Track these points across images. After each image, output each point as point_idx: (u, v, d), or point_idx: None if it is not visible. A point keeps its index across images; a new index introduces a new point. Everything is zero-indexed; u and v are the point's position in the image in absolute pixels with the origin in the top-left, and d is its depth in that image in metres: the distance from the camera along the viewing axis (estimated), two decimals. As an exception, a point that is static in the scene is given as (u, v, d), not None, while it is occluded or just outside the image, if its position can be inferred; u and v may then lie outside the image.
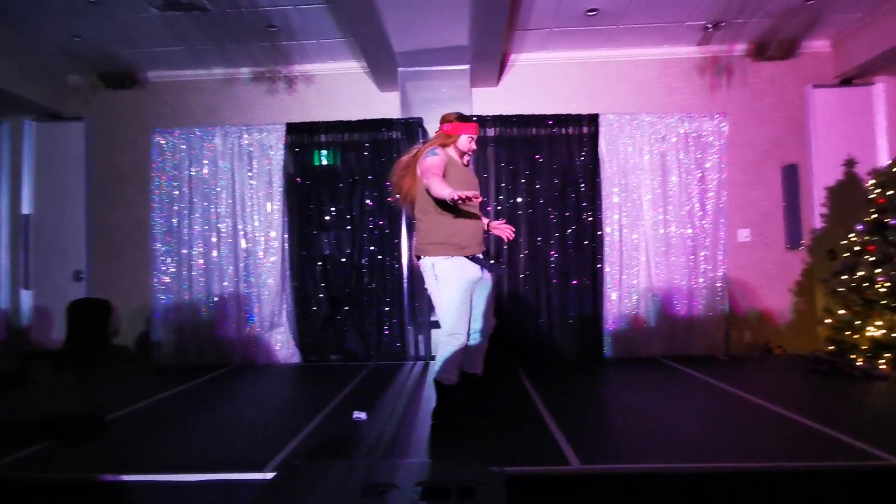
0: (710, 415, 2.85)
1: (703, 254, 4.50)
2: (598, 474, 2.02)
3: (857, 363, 3.71)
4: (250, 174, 4.60)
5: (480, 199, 2.36)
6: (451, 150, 2.66)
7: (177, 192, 4.63)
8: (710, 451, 2.20)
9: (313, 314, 4.62)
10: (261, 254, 4.56)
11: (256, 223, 4.58)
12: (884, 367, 3.68)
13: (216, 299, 4.59)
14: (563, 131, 4.57)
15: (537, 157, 4.57)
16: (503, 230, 2.74)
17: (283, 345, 4.62)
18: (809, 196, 4.84)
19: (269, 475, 1.96)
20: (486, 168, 4.62)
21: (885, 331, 3.73)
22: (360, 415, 2.79)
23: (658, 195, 4.48)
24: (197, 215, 4.61)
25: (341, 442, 2.43)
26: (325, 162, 4.74)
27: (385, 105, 4.97)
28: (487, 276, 2.67)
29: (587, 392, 3.51)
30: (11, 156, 5.11)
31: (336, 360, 4.62)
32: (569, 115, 4.56)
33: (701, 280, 4.50)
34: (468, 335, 2.59)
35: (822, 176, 4.79)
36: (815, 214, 4.82)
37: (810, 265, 4.80)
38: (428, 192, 2.47)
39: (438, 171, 2.48)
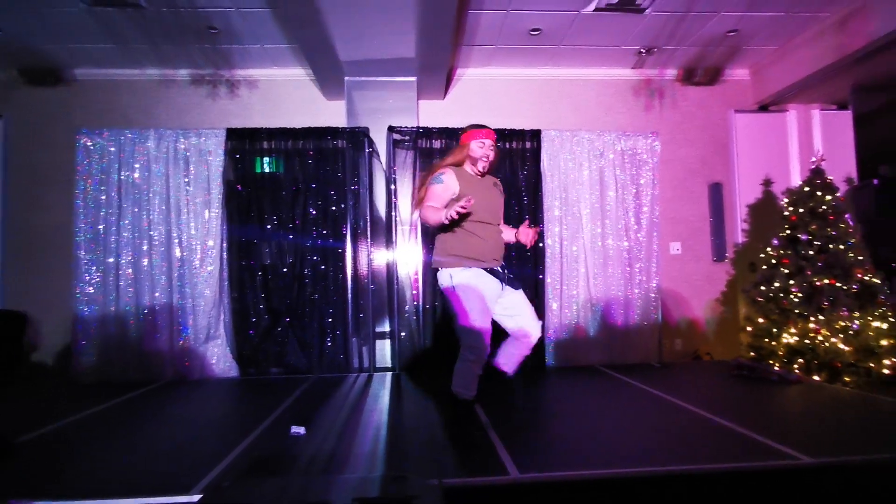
0: (643, 421, 2.96)
1: (638, 266, 4.71)
2: (536, 483, 2.05)
3: (775, 368, 3.99)
4: (187, 180, 4.41)
5: (471, 202, 2.32)
6: (466, 165, 2.67)
7: (104, 197, 4.36)
8: (643, 456, 2.29)
9: (253, 326, 4.46)
10: (197, 263, 4.37)
11: (193, 231, 4.38)
12: (797, 371, 3.97)
13: (146, 311, 4.34)
14: (508, 146, 4.68)
15: (482, 169, 4.64)
16: (526, 235, 2.63)
17: (219, 358, 4.42)
18: (733, 212, 5.19)
19: (195, 498, 1.87)
20: (432, 179, 4.65)
21: (798, 338, 4.04)
22: (298, 430, 2.71)
23: (596, 209, 4.67)
24: (126, 222, 4.36)
25: (277, 459, 2.35)
26: (267, 169, 4.62)
27: (331, 113, 4.93)
28: (509, 287, 2.64)
29: (527, 400, 3.57)
30: (-87, 154, 4.66)
31: (276, 373, 4.48)
32: (513, 130, 4.67)
33: (636, 291, 4.70)
34: (486, 350, 2.54)
35: (744, 194, 5.16)
36: (738, 229, 5.17)
37: (734, 277, 5.14)
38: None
39: (435, 201, 2.52)
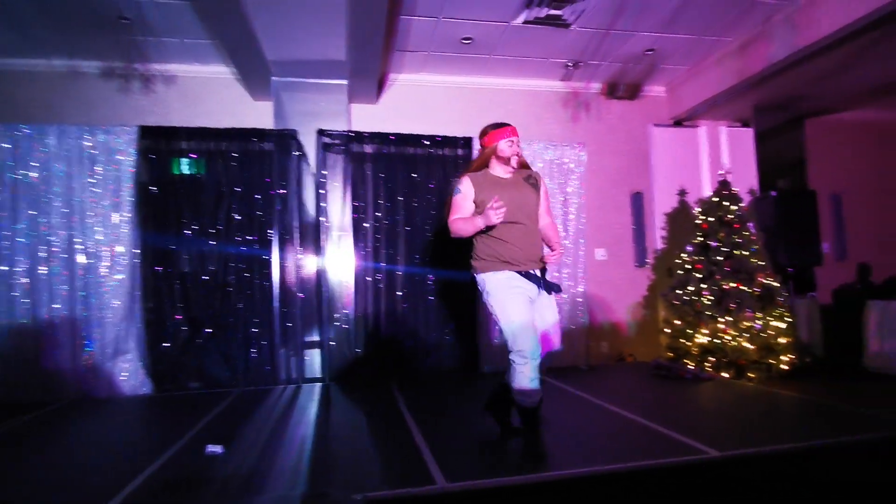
0: (571, 424, 3.04)
1: (566, 271, 4.86)
2: (463, 492, 2.04)
3: (689, 367, 4.25)
4: (93, 181, 4.05)
5: (499, 201, 2.26)
6: (494, 167, 2.53)
7: (-5, 199, 3.92)
8: (569, 459, 2.35)
9: (169, 338, 4.16)
10: (104, 271, 4.02)
11: (100, 236, 4.03)
12: (709, 369, 4.25)
13: (45, 324, 3.93)
14: (440, 152, 4.69)
15: (415, 175, 4.63)
16: (551, 258, 2.52)
17: (130, 374, 4.08)
18: (653, 220, 5.49)
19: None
20: (365, 185, 4.58)
21: (709, 338, 4.32)
22: (215, 448, 2.54)
23: (526, 216, 4.77)
24: (22, 226, 3.94)
25: (189, 482, 2.18)
26: (186, 171, 4.35)
27: (257, 115, 4.73)
28: (544, 292, 2.52)
29: (459, 407, 3.57)
30: None
31: (196, 388, 4.20)
32: (445, 137, 4.69)
33: (565, 296, 4.84)
34: (536, 350, 2.36)
35: (662, 203, 5.48)
36: (657, 237, 5.48)
37: (654, 281, 5.43)
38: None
39: (459, 212, 2.46)
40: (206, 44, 4.33)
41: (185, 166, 4.35)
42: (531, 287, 2.45)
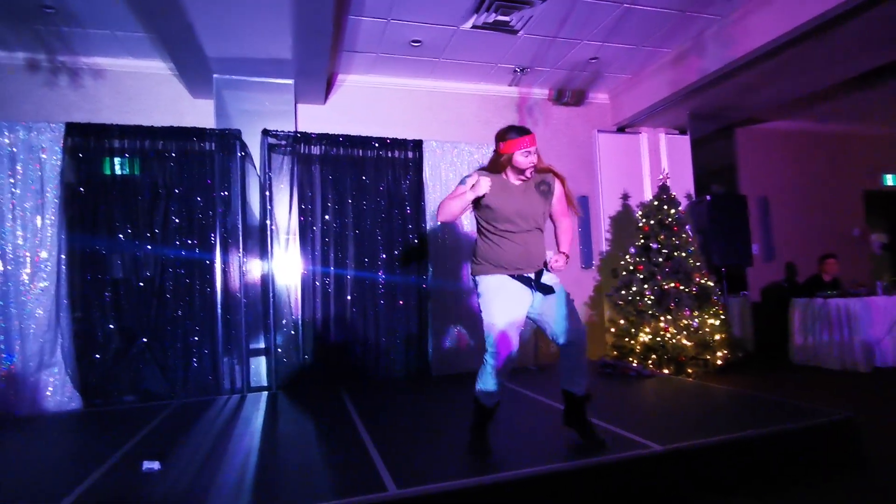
0: (519, 424, 3.07)
1: (515, 273, 4.92)
2: (414, 497, 2.02)
3: (633, 365, 4.41)
4: (12, 181, 3.74)
5: (478, 186, 2.30)
6: (508, 175, 2.44)
7: None
8: (516, 459, 2.37)
9: (100, 349, 3.90)
10: (25, 278, 3.72)
11: (20, 241, 3.73)
12: (651, 366, 4.42)
13: (-44, 337, 3.60)
14: (390, 154, 4.65)
15: (364, 178, 4.57)
16: (554, 264, 2.47)
17: (56, 388, 3.79)
18: (598, 223, 5.67)
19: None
20: (313, 187, 4.47)
21: (651, 336, 4.50)
22: (152, 465, 2.40)
23: (476, 219, 4.81)
24: (-72, 230, 3.59)
25: (123, 501, 2.04)
26: (119, 171, 4.09)
27: (198, 113, 4.54)
28: (540, 294, 2.45)
29: (409, 412, 3.54)
30: None
31: (130, 401, 3.95)
32: (395, 140, 4.66)
33: (514, 297, 4.91)
34: (505, 360, 2.39)
35: (607, 207, 5.67)
36: (602, 239, 5.66)
37: (599, 282, 5.61)
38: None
39: (450, 195, 2.45)
40: (140, 37, 4.11)
41: (117, 166, 4.09)
42: (523, 291, 2.43)
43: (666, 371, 4.36)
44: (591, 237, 5.62)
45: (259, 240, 4.35)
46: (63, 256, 3.84)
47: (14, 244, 3.72)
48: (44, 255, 3.76)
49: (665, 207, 4.74)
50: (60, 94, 4.36)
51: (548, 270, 2.49)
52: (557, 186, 2.55)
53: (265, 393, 4.17)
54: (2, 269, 3.69)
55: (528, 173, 2.44)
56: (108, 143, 4.03)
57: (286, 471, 2.36)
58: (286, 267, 4.40)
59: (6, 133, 3.76)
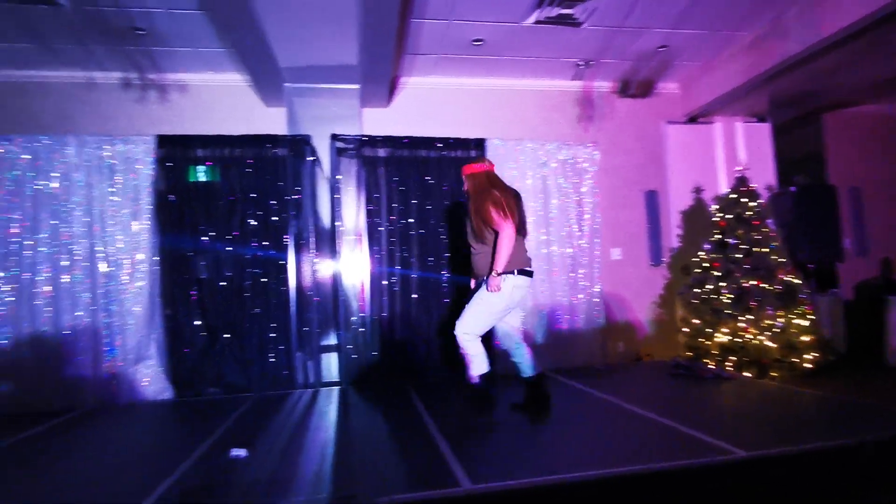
0: (591, 424, 3.02)
1: (581, 271, 4.83)
2: (489, 493, 2.03)
3: (710, 366, 4.19)
4: (112, 190, 4.11)
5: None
6: None
7: (17, 209, 3.99)
8: (592, 460, 2.32)
9: (188, 344, 4.21)
10: (125, 278, 4.07)
11: (120, 244, 4.09)
12: (730, 368, 4.19)
13: (67, 332, 3.99)
14: (452, 154, 4.69)
15: (428, 178, 4.63)
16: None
17: (152, 380, 4.13)
18: (668, 218, 5.44)
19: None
20: (378, 188, 4.59)
21: (730, 336, 4.27)
22: (239, 452, 2.56)
23: (541, 217, 4.76)
24: (43, 235, 4.01)
25: (215, 485, 2.20)
26: (202, 178, 4.39)
27: (270, 121, 4.76)
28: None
29: (476, 409, 3.55)
30: None
31: (214, 393, 4.23)
32: (457, 139, 4.69)
33: (580, 296, 4.82)
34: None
35: (677, 201, 5.42)
36: (673, 235, 5.43)
37: (670, 280, 5.38)
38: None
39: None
40: (218, 52, 4.37)
41: (200, 174, 4.39)
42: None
43: (747, 374, 4.12)
44: (660, 233, 5.40)
45: (329, 240, 4.52)
46: (155, 258, 4.17)
47: (115, 248, 4.08)
48: (140, 257, 4.09)
49: (743, 200, 4.47)
50: (150, 109, 4.72)
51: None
52: (470, 205, 3.16)
53: (336, 388, 4.33)
54: (105, 270, 4.06)
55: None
56: (191, 152, 4.33)
57: (361, 462, 2.44)
58: (354, 266, 4.54)
59: (106, 146, 4.13)
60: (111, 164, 4.12)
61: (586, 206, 4.88)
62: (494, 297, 2.99)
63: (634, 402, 3.34)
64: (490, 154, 4.68)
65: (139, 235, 4.11)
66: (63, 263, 4.01)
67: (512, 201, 3.07)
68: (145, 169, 4.16)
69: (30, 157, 4.04)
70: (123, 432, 3.31)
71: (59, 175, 4.06)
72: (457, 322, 3.10)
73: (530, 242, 4.69)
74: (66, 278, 4.00)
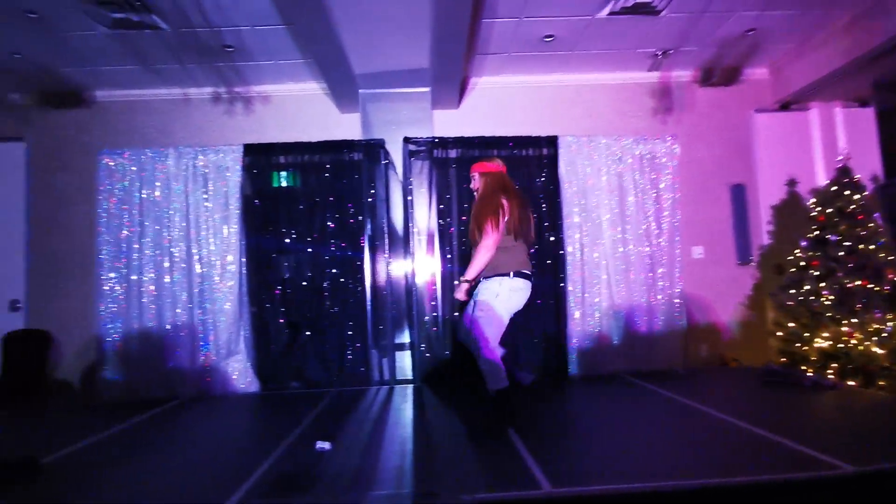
0: (674, 431, 2.88)
1: (660, 271, 4.62)
2: (572, 497, 1.99)
3: (808, 374, 3.87)
4: (205, 196, 4.44)
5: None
6: None
7: (126, 216, 4.41)
8: (679, 469, 2.22)
9: (272, 340, 4.46)
10: (217, 278, 4.38)
11: (212, 247, 4.40)
12: (832, 376, 3.84)
13: (168, 327, 4.36)
14: (524, 153, 4.64)
15: (499, 178, 4.61)
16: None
17: (240, 373, 4.41)
18: (756, 214, 5.08)
19: (227, 516, 1.84)
20: (450, 189, 4.63)
21: (831, 342, 3.91)
22: (324, 445, 2.68)
23: (616, 215, 4.60)
24: (148, 239, 4.40)
25: (303, 475, 2.31)
26: (284, 183, 4.64)
27: (345, 126, 4.94)
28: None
29: (553, 410, 3.50)
30: (-58, 178, 4.78)
31: (296, 387, 4.46)
32: (528, 137, 4.64)
33: (659, 296, 4.61)
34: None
35: (767, 195, 5.05)
36: (763, 231, 5.06)
37: (760, 280, 5.02)
38: None
39: None
40: (297, 63, 4.60)
41: (282, 179, 4.64)
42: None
43: (851, 382, 3.76)
44: (748, 230, 5.05)
45: (402, 241, 4.62)
46: (243, 259, 4.45)
47: (208, 250, 4.40)
48: (230, 258, 4.39)
49: (846, 193, 4.08)
50: (236, 120, 5.05)
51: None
52: (473, 207, 3.14)
53: (410, 385, 4.41)
54: (199, 271, 4.39)
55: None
56: (274, 159, 4.59)
57: (441, 460, 2.47)
58: (427, 267, 4.61)
59: (200, 156, 4.47)
60: (204, 172, 4.45)
61: (665, 202, 4.66)
62: (494, 303, 2.94)
63: (724, 410, 3.14)
64: (562, 151, 4.59)
65: (229, 238, 4.40)
66: (164, 265, 4.37)
67: (517, 209, 3.04)
68: (234, 176, 4.45)
69: (136, 168, 4.45)
70: (219, 422, 3.56)
71: (160, 184, 4.44)
72: (465, 337, 3.09)
73: (605, 241, 4.58)
74: (167, 278, 4.37)
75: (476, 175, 3.23)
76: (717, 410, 3.16)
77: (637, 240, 4.60)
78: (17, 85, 4.73)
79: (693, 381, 4.17)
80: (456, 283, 3.06)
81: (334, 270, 4.50)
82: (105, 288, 4.35)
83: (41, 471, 2.50)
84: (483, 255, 2.95)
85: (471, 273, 2.99)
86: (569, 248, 4.54)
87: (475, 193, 3.23)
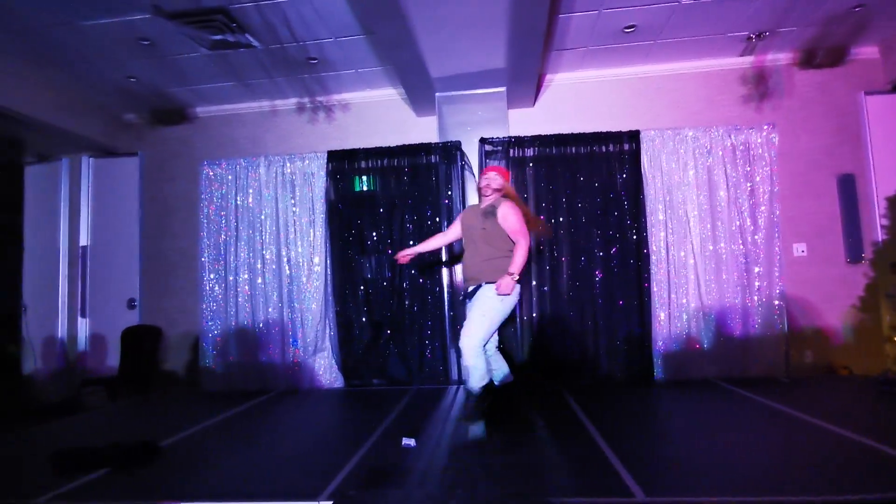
0: (774, 442, 2.67)
1: (757, 270, 4.30)
2: (665, 507, 1.90)
3: (937, 385, 3.45)
4: (293, 201, 4.71)
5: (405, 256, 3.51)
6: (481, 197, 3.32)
7: (224, 221, 4.77)
8: (783, 482, 2.06)
9: (355, 338, 4.64)
10: (304, 279, 4.63)
11: (300, 249, 4.66)
12: (967, 388, 3.40)
13: (261, 325, 4.67)
14: (603, 149, 4.50)
15: (577, 175, 4.51)
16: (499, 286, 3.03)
17: (326, 369, 4.64)
18: (869, 207, 4.59)
19: (324, 505, 1.94)
20: (527, 188, 4.59)
21: (965, 349, 3.46)
22: (409, 441, 2.75)
23: (705, 211, 4.34)
24: (243, 243, 4.73)
25: (392, 470, 2.39)
26: (365, 188, 4.81)
27: (422, 130, 5.04)
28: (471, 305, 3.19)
29: (640, 416, 3.37)
30: (70, 190, 5.41)
31: (378, 384, 4.61)
32: (608, 133, 4.49)
33: (756, 298, 4.29)
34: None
35: (883, 185, 4.55)
36: (877, 226, 4.56)
37: (874, 280, 4.53)
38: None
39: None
40: (375, 70, 4.75)
41: (364, 183, 4.81)
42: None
43: None
44: (859, 224, 4.57)
45: (479, 242, 4.63)
46: (328, 261, 4.67)
47: (296, 252, 4.66)
48: (316, 260, 4.62)
49: (982, 181, 3.59)
50: (319, 128, 5.30)
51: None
52: (501, 209, 3.12)
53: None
54: (288, 272, 4.66)
55: (483, 193, 3.25)
56: (356, 164, 4.77)
57: (526, 463, 2.45)
58: (504, 267, 4.58)
59: (288, 164, 4.74)
60: (292, 179, 4.72)
61: (761, 196, 4.33)
62: (504, 302, 3.03)
63: (831, 420, 2.87)
64: (645, 146, 4.40)
65: (315, 241, 4.64)
66: (258, 267, 4.68)
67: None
68: (319, 182, 4.68)
69: (231, 177, 4.80)
70: (309, 415, 3.76)
71: (252, 191, 4.76)
72: (462, 333, 3.07)
73: (693, 239, 4.34)
74: (260, 280, 4.67)
75: (498, 177, 3.27)
76: (827, 422, 2.89)
77: (729, 237, 4.32)
78: (132, 105, 5.26)
79: (797, 389, 3.85)
80: (487, 283, 3.10)
81: (413, 271, 4.60)
82: (206, 287, 4.74)
83: (160, 453, 2.76)
84: (524, 254, 3.04)
85: (518, 267, 3.03)
86: (653, 247, 4.34)
87: (487, 191, 3.24)
